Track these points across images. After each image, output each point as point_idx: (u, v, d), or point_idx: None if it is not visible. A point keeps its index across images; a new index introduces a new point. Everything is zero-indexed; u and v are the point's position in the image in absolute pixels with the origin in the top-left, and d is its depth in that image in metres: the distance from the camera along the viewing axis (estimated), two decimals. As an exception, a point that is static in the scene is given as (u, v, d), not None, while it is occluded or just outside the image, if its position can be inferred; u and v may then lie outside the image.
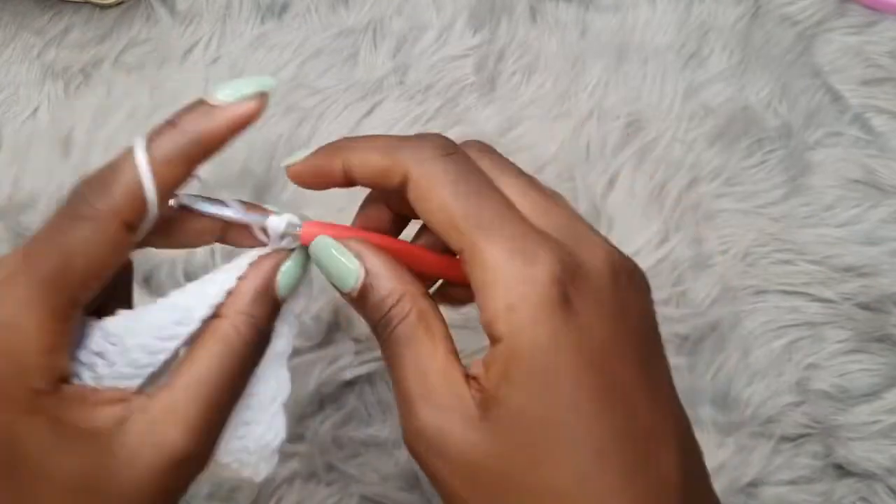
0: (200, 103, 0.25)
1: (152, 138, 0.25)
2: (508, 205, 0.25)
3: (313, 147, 0.28)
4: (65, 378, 0.25)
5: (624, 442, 0.23)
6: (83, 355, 0.26)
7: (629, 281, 0.26)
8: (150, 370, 0.27)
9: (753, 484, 0.45)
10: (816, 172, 0.51)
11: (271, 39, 0.54)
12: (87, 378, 0.26)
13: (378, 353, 0.45)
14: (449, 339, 0.26)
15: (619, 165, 0.51)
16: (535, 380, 0.23)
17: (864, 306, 0.48)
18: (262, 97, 0.25)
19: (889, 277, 0.48)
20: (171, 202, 0.27)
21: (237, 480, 0.31)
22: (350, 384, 0.45)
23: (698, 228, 0.50)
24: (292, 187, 0.49)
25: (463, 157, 0.26)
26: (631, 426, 0.24)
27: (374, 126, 0.51)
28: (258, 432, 0.30)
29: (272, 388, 0.30)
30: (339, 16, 0.54)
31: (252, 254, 0.28)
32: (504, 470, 0.23)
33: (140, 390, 0.26)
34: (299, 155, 0.28)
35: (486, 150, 0.28)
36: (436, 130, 0.51)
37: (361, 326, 0.45)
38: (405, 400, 0.25)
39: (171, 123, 0.25)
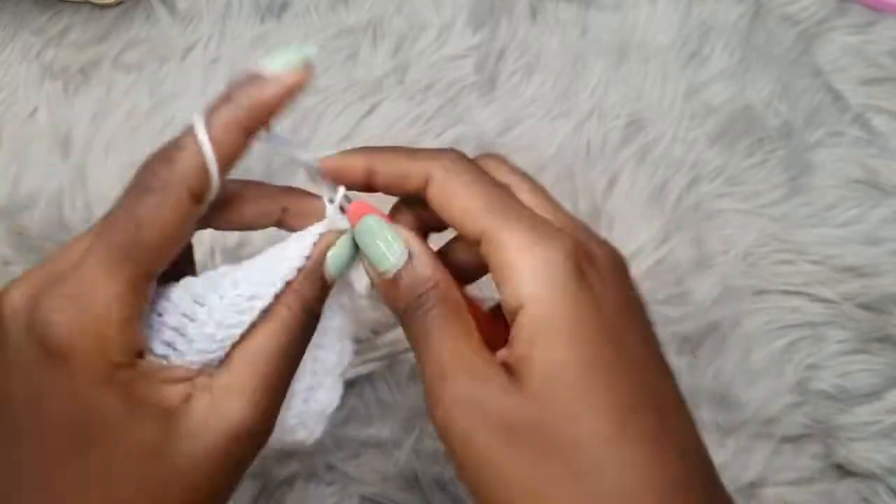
0: (253, 76, 0.26)
1: (210, 113, 0.26)
2: (522, 203, 0.28)
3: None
4: (140, 352, 0.26)
5: (645, 403, 0.25)
6: (164, 331, 0.27)
7: (626, 271, 0.28)
8: (226, 343, 0.27)
9: (754, 484, 0.45)
10: (817, 172, 0.51)
11: (271, 39, 0.54)
12: (168, 354, 0.27)
13: (378, 353, 0.45)
14: (476, 329, 0.28)
15: (620, 165, 0.51)
16: (561, 336, 0.25)
17: (865, 306, 0.48)
18: (308, 66, 0.26)
19: (889, 278, 0.48)
20: (262, 135, 0.28)
21: (291, 444, 0.33)
22: (350, 384, 0.45)
23: (699, 228, 0.50)
24: (293, 186, 0.49)
25: (478, 165, 0.28)
26: (647, 391, 0.25)
27: (374, 126, 0.51)
28: (320, 396, 0.32)
29: (333, 357, 0.32)
30: (339, 15, 0.54)
31: (313, 231, 0.29)
32: (539, 426, 0.24)
33: (203, 370, 0.27)
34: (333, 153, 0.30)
35: (501, 161, 0.30)
36: (436, 130, 0.51)
37: (361, 326, 0.45)
38: (440, 373, 0.26)
39: (226, 97, 0.26)
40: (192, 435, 0.25)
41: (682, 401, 0.27)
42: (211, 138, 0.26)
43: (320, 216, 0.30)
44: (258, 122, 0.26)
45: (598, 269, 0.26)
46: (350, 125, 0.51)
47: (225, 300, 0.27)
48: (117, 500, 0.25)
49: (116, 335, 0.25)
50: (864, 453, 0.45)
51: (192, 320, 0.27)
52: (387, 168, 0.28)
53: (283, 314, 0.27)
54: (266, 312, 0.27)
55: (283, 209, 0.30)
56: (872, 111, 0.53)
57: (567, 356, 0.25)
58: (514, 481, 0.24)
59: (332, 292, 0.31)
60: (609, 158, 0.51)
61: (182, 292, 0.27)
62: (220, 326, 0.27)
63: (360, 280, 0.31)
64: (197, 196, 0.26)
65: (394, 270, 0.28)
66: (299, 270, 0.28)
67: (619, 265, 0.28)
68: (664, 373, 0.27)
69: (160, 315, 0.27)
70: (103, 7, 0.54)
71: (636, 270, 0.48)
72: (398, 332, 0.45)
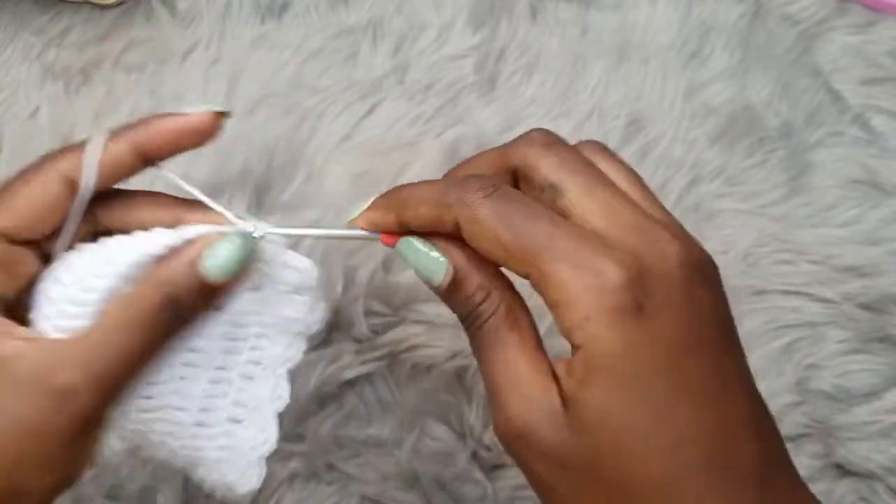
0: (165, 114, 0.29)
1: (116, 128, 0.29)
2: (559, 223, 0.26)
3: (370, 198, 0.30)
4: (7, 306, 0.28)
5: (699, 435, 0.24)
6: (34, 296, 0.28)
7: (700, 276, 0.26)
8: (88, 309, 0.27)
9: (753, 484, 0.45)
10: (817, 172, 0.51)
11: (271, 39, 0.54)
12: (36, 318, 0.28)
13: (378, 353, 0.45)
14: (535, 332, 0.27)
15: (620, 165, 0.51)
16: (612, 384, 0.24)
17: (865, 306, 0.48)
18: (218, 117, 0.28)
19: (889, 278, 0.48)
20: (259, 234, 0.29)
21: (223, 489, 0.32)
22: (350, 384, 0.45)
23: (699, 228, 0.50)
24: (292, 188, 0.50)
25: (505, 190, 0.27)
26: (705, 419, 0.24)
27: (374, 126, 0.51)
28: (247, 434, 0.31)
29: (268, 392, 0.31)
30: (339, 15, 0.54)
31: (206, 227, 0.28)
32: (588, 465, 0.25)
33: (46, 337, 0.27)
34: (360, 207, 0.30)
35: (552, 147, 0.28)
36: (436, 130, 0.52)
37: (361, 326, 0.45)
38: (495, 391, 0.26)
39: (136, 120, 0.29)
40: (15, 387, 0.26)
41: (751, 417, 0.26)
42: (105, 145, 0.28)
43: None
44: (154, 144, 0.28)
45: (657, 290, 0.25)
46: (350, 125, 0.51)
47: (86, 261, 0.28)
48: None
49: None
50: (863, 453, 0.45)
51: (58, 282, 0.28)
52: (416, 221, 0.28)
53: (134, 292, 0.27)
54: (120, 297, 0.27)
55: (178, 221, 0.29)
56: (872, 111, 0.53)
57: (615, 400, 0.24)
58: None
59: (264, 323, 0.31)
60: (609, 158, 0.51)
61: (60, 260, 0.28)
62: (80, 288, 0.27)
63: (307, 309, 0.31)
64: (69, 183, 0.28)
65: (445, 283, 0.27)
66: (170, 250, 0.28)
67: (688, 274, 0.25)
68: (733, 388, 0.26)
69: (39, 283, 0.28)
70: (104, 7, 0.54)
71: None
72: (398, 332, 0.45)
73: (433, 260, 0.27)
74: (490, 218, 0.26)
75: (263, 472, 0.31)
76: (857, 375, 0.47)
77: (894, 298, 0.48)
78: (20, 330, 0.27)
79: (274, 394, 0.31)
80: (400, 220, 0.28)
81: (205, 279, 0.27)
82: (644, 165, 0.51)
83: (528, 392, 0.26)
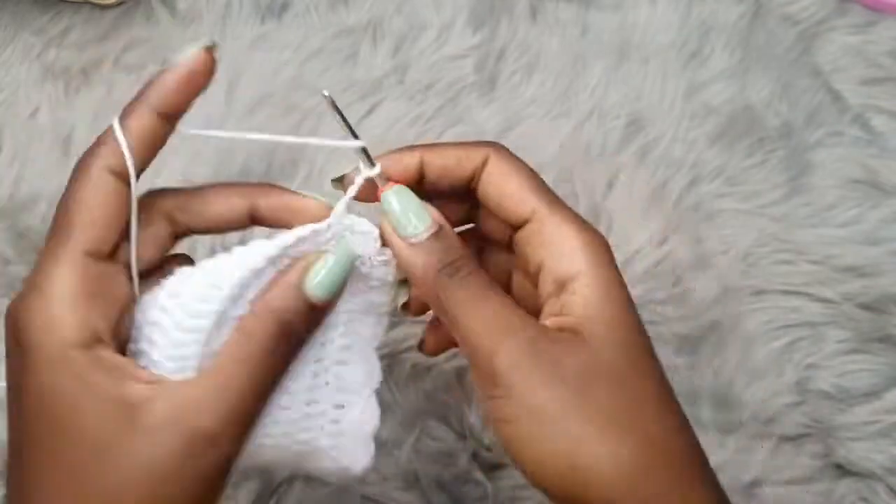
0: (159, 70, 0.29)
1: (126, 106, 0.29)
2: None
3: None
4: (98, 337, 0.26)
5: (659, 387, 0.28)
6: (137, 327, 0.27)
7: None
8: (191, 349, 0.27)
9: (753, 484, 0.45)
10: (817, 172, 0.51)
11: (271, 39, 0.54)
12: (146, 349, 0.27)
13: (378, 353, 0.45)
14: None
15: (619, 165, 0.51)
16: (615, 302, 0.28)
17: (865, 306, 0.48)
18: (208, 50, 0.28)
19: (889, 278, 0.48)
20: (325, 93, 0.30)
21: (336, 473, 0.32)
22: (350, 384, 0.45)
23: (698, 228, 0.50)
24: (292, 188, 0.50)
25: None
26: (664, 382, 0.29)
27: (374, 126, 0.51)
28: (353, 416, 0.32)
29: (363, 373, 0.32)
30: (339, 15, 0.54)
31: (301, 230, 0.28)
32: (608, 372, 0.27)
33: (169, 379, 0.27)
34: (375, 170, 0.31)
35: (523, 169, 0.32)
36: (436, 130, 0.52)
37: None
38: (494, 330, 0.27)
39: (138, 92, 0.29)
40: (152, 433, 0.25)
41: (681, 417, 0.29)
42: (126, 125, 0.28)
43: (294, 211, 0.30)
44: (168, 104, 0.28)
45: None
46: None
47: (190, 287, 0.27)
48: (73, 492, 0.25)
49: (64, 314, 0.25)
50: (863, 453, 0.45)
51: (165, 311, 0.27)
52: (440, 160, 0.30)
53: (251, 326, 0.27)
54: (235, 330, 0.27)
55: (253, 206, 0.30)
56: (872, 111, 0.53)
57: (621, 317, 0.28)
58: (568, 414, 0.27)
59: (351, 310, 0.31)
60: (609, 158, 0.51)
61: (160, 288, 0.28)
62: (188, 314, 0.27)
63: (389, 291, 0.32)
64: (119, 173, 0.27)
65: (424, 235, 0.28)
66: (269, 261, 0.27)
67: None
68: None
69: (138, 312, 0.28)
70: (104, 7, 0.54)
71: (636, 270, 0.48)
72: (398, 332, 0.45)
73: (421, 210, 0.29)
74: (520, 164, 0.30)
75: (372, 449, 0.32)
76: (857, 375, 0.47)
77: (894, 298, 0.48)
78: (141, 373, 0.26)
79: (368, 372, 0.32)
80: (424, 157, 0.30)
81: (311, 300, 0.28)
82: (644, 165, 0.51)
83: (530, 325, 0.28)
